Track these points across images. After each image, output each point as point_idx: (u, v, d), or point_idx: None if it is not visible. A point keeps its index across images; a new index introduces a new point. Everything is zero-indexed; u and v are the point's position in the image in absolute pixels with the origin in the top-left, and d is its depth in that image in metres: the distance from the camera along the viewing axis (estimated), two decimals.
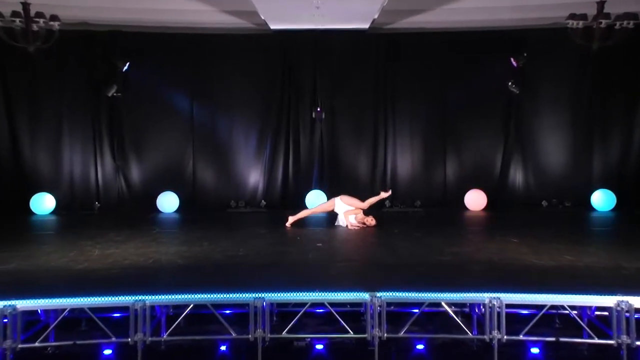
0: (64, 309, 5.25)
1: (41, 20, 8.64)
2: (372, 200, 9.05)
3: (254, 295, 5.19)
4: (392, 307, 5.75)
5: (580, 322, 5.45)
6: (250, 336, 5.19)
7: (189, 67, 11.45)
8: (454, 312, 5.60)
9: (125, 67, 11.08)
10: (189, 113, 11.63)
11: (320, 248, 7.47)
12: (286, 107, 11.66)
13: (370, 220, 8.87)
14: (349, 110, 11.75)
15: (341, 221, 8.93)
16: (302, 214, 9.20)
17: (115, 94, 11.11)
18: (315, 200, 11.09)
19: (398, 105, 11.73)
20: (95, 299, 5.12)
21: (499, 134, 11.67)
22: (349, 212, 8.89)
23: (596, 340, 5.24)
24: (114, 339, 5.23)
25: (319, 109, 11.43)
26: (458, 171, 11.73)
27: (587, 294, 5.19)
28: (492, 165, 11.70)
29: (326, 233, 8.62)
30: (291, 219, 9.01)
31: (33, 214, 10.76)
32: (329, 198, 11.04)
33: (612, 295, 5.09)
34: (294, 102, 11.67)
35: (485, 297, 5.18)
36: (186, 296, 5.24)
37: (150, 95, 11.45)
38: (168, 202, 11.17)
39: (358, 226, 8.82)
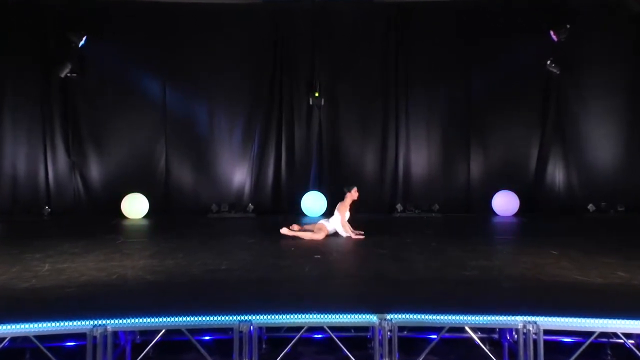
0: (4, 338, 5.18)
1: None
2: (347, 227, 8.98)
3: (238, 317, 5.16)
4: (405, 332, 5.74)
5: (638, 353, 5.41)
6: None
7: (160, 43, 11.42)
8: (481, 339, 5.57)
9: (82, 43, 11.03)
10: (160, 99, 11.62)
11: (319, 261, 7.43)
12: (278, 93, 11.67)
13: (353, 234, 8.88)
14: (353, 96, 11.76)
15: (339, 230, 8.90)
16: (301, 233, 8.90)
17: (69, 75, 11.07)
18: (313, 205, 11.10)
19: (412, 91, 11.75)
20: (44, 324, 5.04)
21: (534, 124, 11.69)
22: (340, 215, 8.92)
23: None
24: None
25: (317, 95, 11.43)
26: (484, 169, 11.75)
27: None
28: (527, 162, 11.72)
29: (325, 243, 8.59)
30: (286, 231, 8.91)
31: None
32: (329, 203, 11.04)
33: None
34: (287, 86, 11.68)
35: (518, 321, 5.14)
36: (157, 319, 5.18)
37: (112, 77, 11.43)
38: (135, 206, 11.15)
39: (354, 233, 8.84)
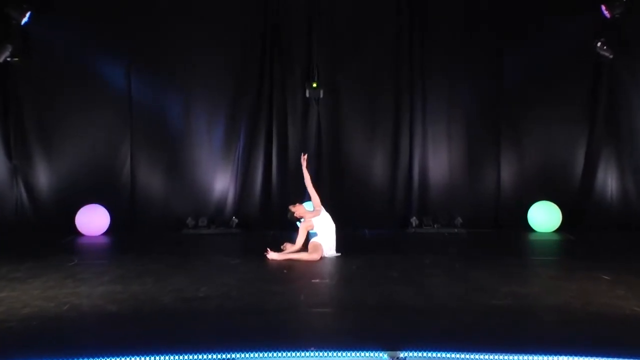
0: None
1: None
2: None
3: (220, 356, 5.18)
4: None
5: None
6: None
7: (123, 20, 11.42)
8: None
9: (25, 19, 11.00)
10: (124, 89, 11.64)
11: (317, 286, 7.47)
12: (268, 82, 11.70)
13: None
14: (359, 87, 11.81)
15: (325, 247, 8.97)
16: (293, 255, 9.05)
17: (9, 60, 11.06)
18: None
19: (430, 81, 11.81)
20: None
21: (581, 120, 11.72)
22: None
23: None
24: None
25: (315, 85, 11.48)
26: (518, 175, 11.80)
27: None
28: (571, 166, 11.75)
29: (325, 265, 8.62)
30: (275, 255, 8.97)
31: None
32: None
33: None
34: (279, 74, 11.70)
35: None
36: (119, 359, 5.20)
37: (63, 62, 11.43)
38: (93, 219, 11.15)
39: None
